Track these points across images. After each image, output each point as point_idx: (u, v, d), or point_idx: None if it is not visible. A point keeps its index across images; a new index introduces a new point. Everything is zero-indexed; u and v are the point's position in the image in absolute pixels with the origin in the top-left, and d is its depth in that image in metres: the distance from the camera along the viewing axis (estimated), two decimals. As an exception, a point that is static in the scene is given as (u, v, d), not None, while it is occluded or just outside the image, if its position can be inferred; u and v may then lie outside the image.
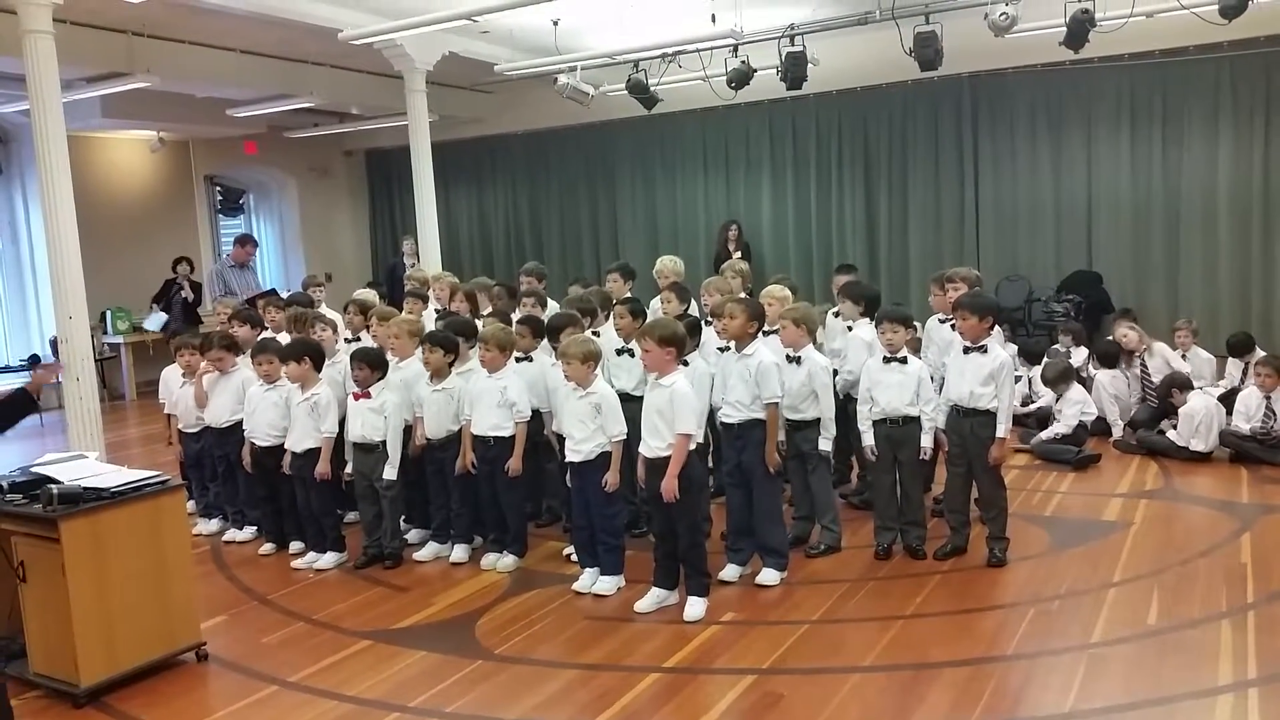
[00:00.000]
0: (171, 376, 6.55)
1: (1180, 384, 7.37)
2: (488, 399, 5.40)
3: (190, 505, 6.23)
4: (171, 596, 4.35)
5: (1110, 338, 8.69)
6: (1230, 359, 8.23)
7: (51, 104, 6.96)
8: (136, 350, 12.13)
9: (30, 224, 11.86)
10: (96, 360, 9.26)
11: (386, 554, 5.63)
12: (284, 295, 8.68)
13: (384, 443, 5.54)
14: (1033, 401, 8.21)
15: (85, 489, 4.09)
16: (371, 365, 5.60)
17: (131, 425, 10.54)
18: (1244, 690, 3.77)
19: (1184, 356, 8.16)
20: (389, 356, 5.79)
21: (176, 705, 4.07)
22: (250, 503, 6.12)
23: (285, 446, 5.69)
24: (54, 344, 7.83)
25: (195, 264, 12.46)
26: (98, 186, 12.13)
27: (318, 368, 5.72)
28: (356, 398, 5.60)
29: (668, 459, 4.62)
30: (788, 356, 5.27)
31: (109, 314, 11.81)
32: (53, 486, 4.03)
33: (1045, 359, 8.40)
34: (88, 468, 4.43)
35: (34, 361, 10.15)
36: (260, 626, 4.90)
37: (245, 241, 10.85)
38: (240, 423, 5.99)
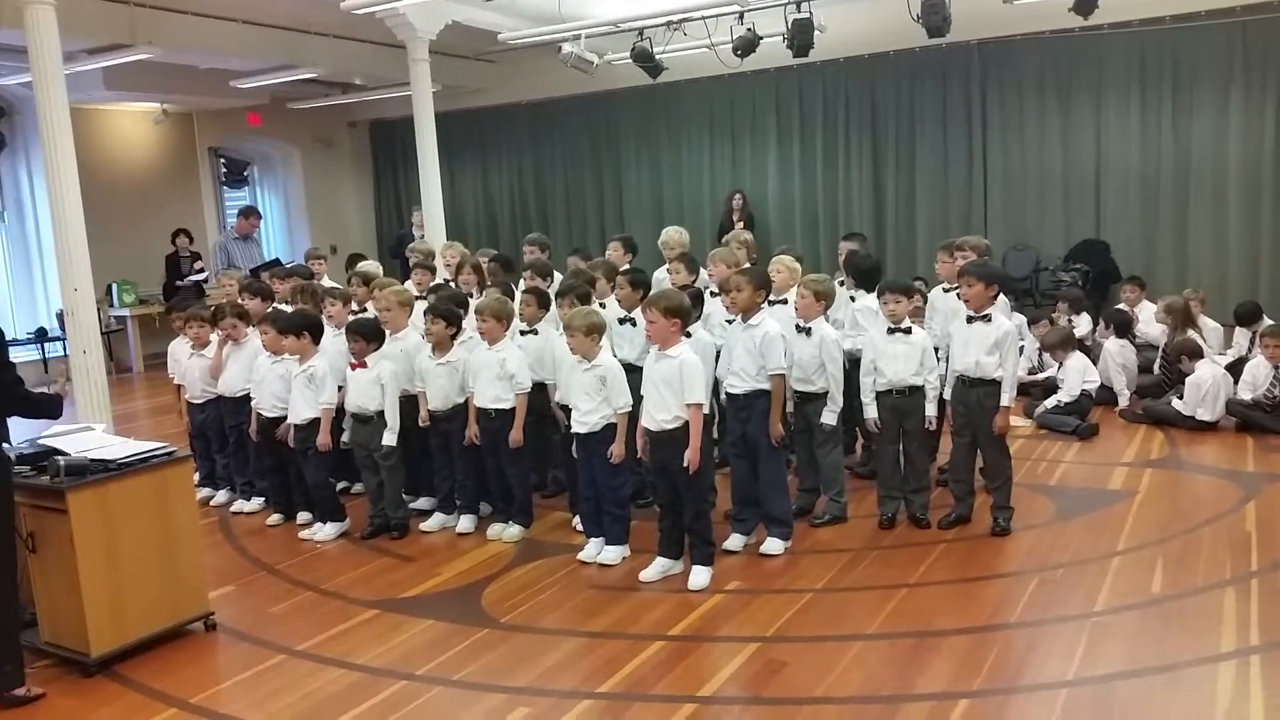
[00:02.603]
0: (179, 349, 6.55)
1: (1190, 351, 7.32)
2: (488, 371, 5.41)
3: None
4: (180, 567, 4.38)
5: (1119, 306, 8.66)
6: (1238, 328, 8.18)
7: (54, 76, 6.94)
8: (143, 323, 12.16)
9: (35, 197, 11.85)
10: (103, 333, 9.29)
11: (393, 524, 5.66)
12: (287, 267, 8.67)
13: (381, 413, 5.55)
14: (1039, 371, 8.19)
15: (92, 460, 4.11)
16: (366, 336, 5.60)
17: (139, 397, 10.57)
18: (1246, 657, 3.78)
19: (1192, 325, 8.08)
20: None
21: (185, 674, 4.11)
22: (259, 473, 6.15)
23: (287, 419, 5.72)
24: (60, 317, 7.87)
25: (194, 236, 12.47)
26: (101, 159, 12.10)
27: (316, 340, 5.72)
28: (353, 368, 5.61)
29: (672, 431, 4.63)
30: (797, 327, 5.26)
31: (115, 287, 11.81)
32: (60, 458, 4.05)
33: (1048, 326, 8.33)
34: (95, 439, 4.44)
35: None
36: (268, 596, 4.93)
37: (249, 214, 10.85)
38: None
